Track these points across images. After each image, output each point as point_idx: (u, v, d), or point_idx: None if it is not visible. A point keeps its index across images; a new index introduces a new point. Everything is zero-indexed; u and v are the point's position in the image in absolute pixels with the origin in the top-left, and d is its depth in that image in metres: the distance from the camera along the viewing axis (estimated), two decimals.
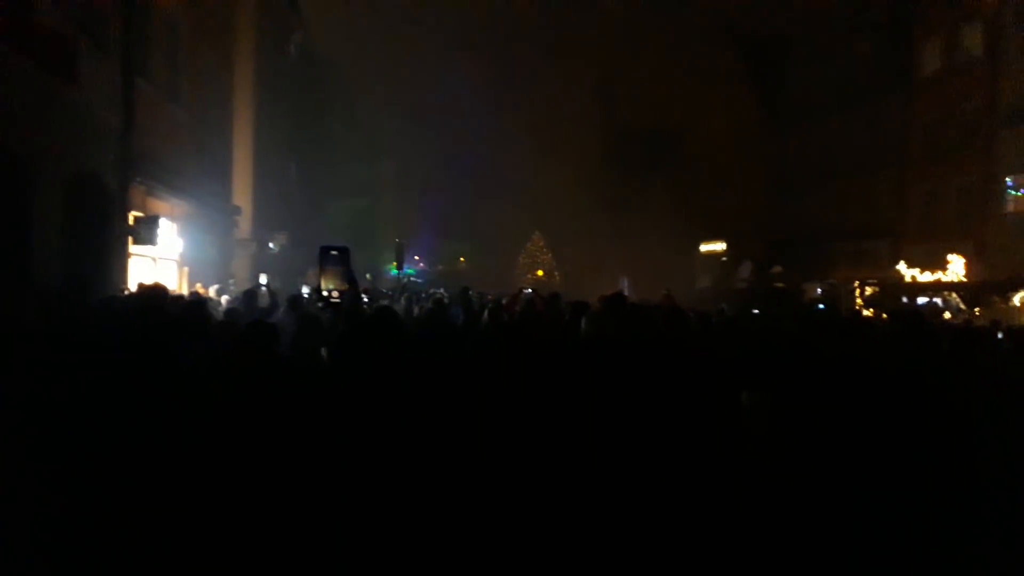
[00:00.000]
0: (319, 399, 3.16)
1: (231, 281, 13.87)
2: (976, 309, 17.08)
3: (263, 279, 13.95)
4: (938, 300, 18.99)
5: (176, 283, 13.75)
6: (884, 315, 14.93)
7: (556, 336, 5.36)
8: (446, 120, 52.23)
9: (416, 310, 9.35)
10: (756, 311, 11.52)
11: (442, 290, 15.18)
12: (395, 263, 18.34)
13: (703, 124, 36.07)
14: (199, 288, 11.90)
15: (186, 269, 14.68)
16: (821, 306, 20.85)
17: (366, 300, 9.30)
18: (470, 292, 10.80)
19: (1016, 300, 16.73)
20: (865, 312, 18.67)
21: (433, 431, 3.05)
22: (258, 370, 3.16)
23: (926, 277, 21.41)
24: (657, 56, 38.41)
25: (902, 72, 28.16)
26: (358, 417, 3.02)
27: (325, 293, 4.17)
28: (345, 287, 4.09)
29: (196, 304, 4.99)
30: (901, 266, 22.53)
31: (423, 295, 13.57)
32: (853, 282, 22.07)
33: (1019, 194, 23.76)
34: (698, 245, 41.84)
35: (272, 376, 3.15)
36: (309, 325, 4.61)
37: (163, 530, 2.60)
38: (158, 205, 13.09)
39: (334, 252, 4.06)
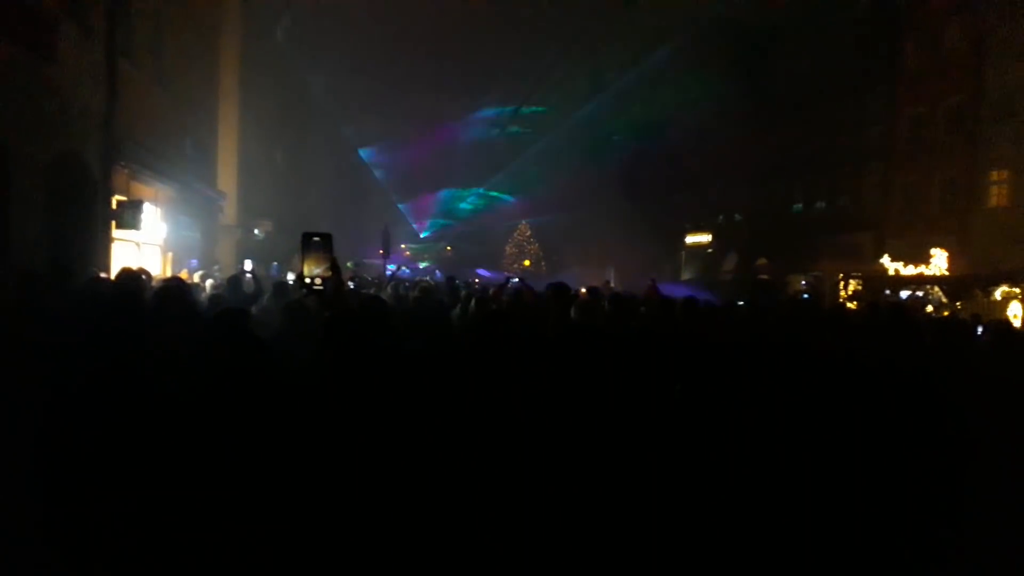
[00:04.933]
0: (303, 390, 3.13)
1: (216, 267, 13.76)
2: (958, 303, 17.25)
3: (248, 265, 13.85)
4: (920, 293, 19.16)
5: (160, 268, 13.64)
6: (867, 308, 15.04)
7: (546, 324, 5.37)
8: (433, 108, 51.99)
9: (406, 296, 9.29)
10: (740, 302, 11.56)
11: (429, 278, 15.16)
12: (381, 250, 18.17)
13: (689, 115, 36.08)
14: (183, 275, 11.81)
15: (170, 254, 14.55)
16: (806, 296, 20.99)
17: (352, 287, 9.26)
18: (457, 281, 10.79)
19: (998, 294, 16.90)
20: (849, 305, 18.81)
21: (423, 422, 3.03)
22: (232, 359, 3.14)
23: (909, 270, 21.59)
24: (645, 46, 38.34)
25: (887, 66, 28.29)
26: (345, 409, 2.99)
27: (308, 280, 4.13)
28: (328, 274, 4.06)
29: (176, 289, 4.93)
30: (885, 259, 22.72)
31: (407, 284, 13.53)
32: (837, 275, 22.23)
33: (1002, 188, 24.00)
34: (684, 236, 41.95)
35: (247, 365, 3.12)
36: (297, 317, 4.56)
37: (141, 527, 2.57)
38: (142, 189, 12.96)
39: (316, 238, 4.02)
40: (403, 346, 3.98)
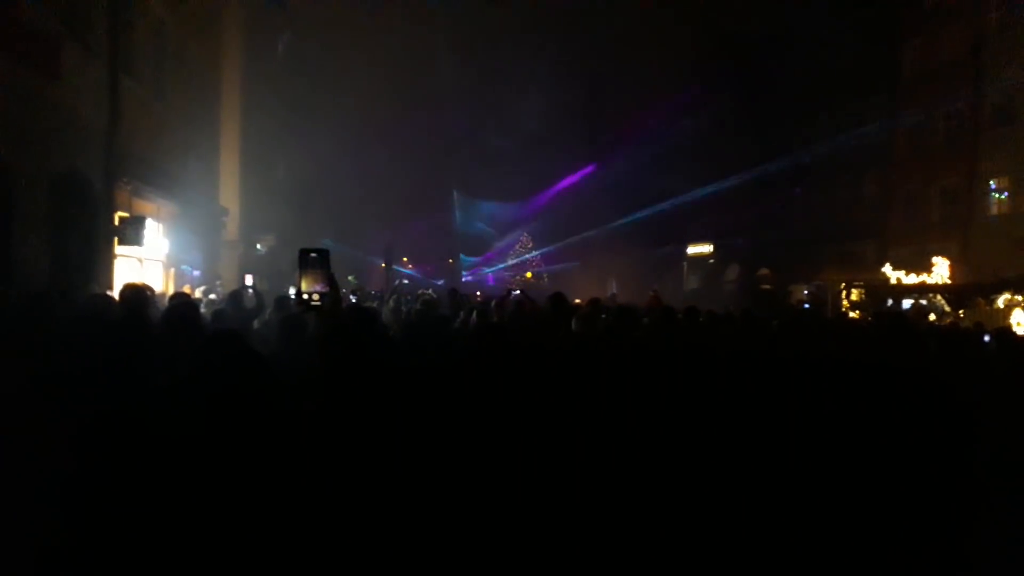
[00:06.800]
0: (301, 405, 3.12)
1: (218, 282, 13.79)
2: (960, 311, 17.21)
3: (249, 280, 13.89)
4: (923, 302, 19.11)
5: (163, 284, 13.66)
6: (869, 317, 15.02)
7: (548, 336, 5.36)
8: (434, 120, 52.06)
9: (405, 310, 9.28)
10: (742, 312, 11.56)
11: (431, 290, 15.15)
12: (383, 263, 18.19)
13: (688, 123, 36.16)
14: (186, 289, 11.82)
15: (172, 270, 14.58)
16: (807, 306, 20.96)
17: (354, 300, 9.26)
18: (458, 293, 10.77)
19: (1000, 302, 16.86)
20: (852, 314, 18.77)
21: (421, 435, 3.02)
22: (229, 380, 3.12)
23: (911, 279, 21.54)
24: (642, 55, 38.45)
25: (887, 73, 28.34)
26: (341, 423, 2.98)
27: (305, 296, 4.14)
28: (325, 289, 4.07)
29: (184, 307, 4.92)
30: (887, 268, 22.67)
31: (408, 297, 13.52)
32: (839, 284, 22.17)
33: (1002, 196, 24.00)
34: (685, 247, 41.94)
35: (246, 384, 3.10)
36: (295, 331, 4.56)
37: (145, 547, 2.55)
38: (144, 205, 12.99)
39: (313, 254, 4.03)
40: (403, 359, 3.97)
